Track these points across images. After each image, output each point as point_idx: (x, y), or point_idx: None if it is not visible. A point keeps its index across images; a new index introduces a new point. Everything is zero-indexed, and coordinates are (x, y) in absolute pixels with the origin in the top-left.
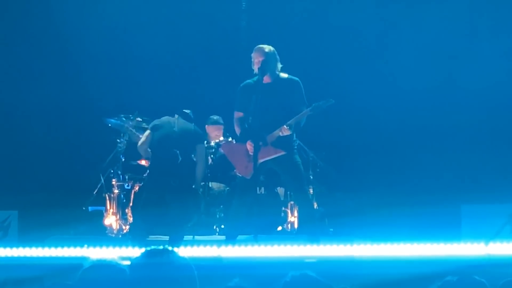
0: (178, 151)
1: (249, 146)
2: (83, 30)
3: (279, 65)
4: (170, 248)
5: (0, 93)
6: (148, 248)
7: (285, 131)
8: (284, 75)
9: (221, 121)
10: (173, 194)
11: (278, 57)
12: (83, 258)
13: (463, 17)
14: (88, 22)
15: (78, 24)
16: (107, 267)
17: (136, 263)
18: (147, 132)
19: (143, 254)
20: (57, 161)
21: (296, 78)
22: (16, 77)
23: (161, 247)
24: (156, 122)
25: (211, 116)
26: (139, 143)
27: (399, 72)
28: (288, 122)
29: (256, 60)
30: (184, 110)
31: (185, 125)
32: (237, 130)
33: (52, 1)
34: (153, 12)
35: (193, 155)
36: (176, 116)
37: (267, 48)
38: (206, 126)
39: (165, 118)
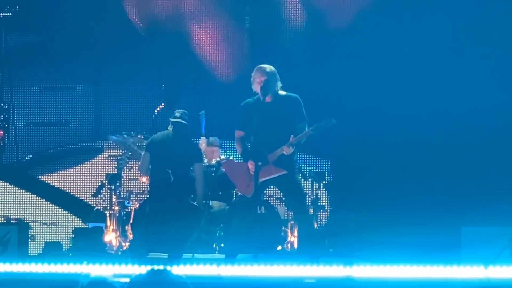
0: (170, 171)
1: (250, 165)
2: (85, 45)
3: (279, 84)
4: (168, 267)
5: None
6: (147, 268)
7: (287, 149)
8: (282, 92)
9: (217, 142)
10: (171, 212)
11: (278, 76)
12: (81, 275)
13: (470, 20)
14: (90, 37)
15: (79, 38)
16: (98, 285)
17: (134, 282)
18: (143, 153)
19: (142, 273)
20: (59, 177)
21: (295, 95)
22: (18, 91)
23: (161, 266)
24: (150, 140)
25: (209, 138)
26: (139, 165)
27: (400, 90)
28: (290, 141)
29: (258, 80)
30: (176, 117)
31: (181, 142)
32: (238, 149)
33: (54, 17)
34: (155, 29)
35: (192, 173)
36: (170, 128)
37: (268, 68)
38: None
39: (160, 135)
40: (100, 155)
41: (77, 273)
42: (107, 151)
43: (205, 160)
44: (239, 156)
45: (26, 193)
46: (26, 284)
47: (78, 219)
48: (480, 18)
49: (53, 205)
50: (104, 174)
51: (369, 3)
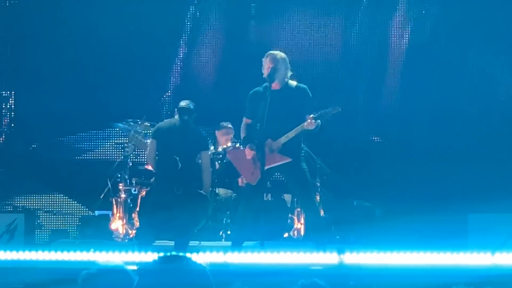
0: (178, 158)
1: (248, 151)
2: (91, 32)
3: (289, 73)
4: (185, 254)
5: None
6: (162, 254)
7: (311, 124)
8: (292, 82)
9: (231, 128)
10: (178, 200)
11: (288, 65)
12: (90, 263)
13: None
14: (96, 24)
15: (86, 26)
16: (112, 272)
17: (147, 269)
18: (150, 140)
19: (156, 260)
20: (65, 165)
21: (304, 86)
22: (23, 78)
23: (176, 253)
24: (156, 128)
25: (221, 123)
26: (147, 154)
27: (408, 78)
28: (312, 116)
29: (266, 66)
30: (181, 106)
31: (187, 130)
32: (242, 135)
33: (60, 4)
34: (162, 16)
35: (199, 160)
36: (176, 116)
37: (279, 55)
38: (216, 131)
39: (167, 122)
40: (106, 143)
41: (85, 261)
42: (113, 138)
43: (211, 148)
44: (242, 142)
45: (32, 181)
46: (33, 271)
47: (84, 206)
48: None
49: (59, 193)
50: (111, 162)
51: None
